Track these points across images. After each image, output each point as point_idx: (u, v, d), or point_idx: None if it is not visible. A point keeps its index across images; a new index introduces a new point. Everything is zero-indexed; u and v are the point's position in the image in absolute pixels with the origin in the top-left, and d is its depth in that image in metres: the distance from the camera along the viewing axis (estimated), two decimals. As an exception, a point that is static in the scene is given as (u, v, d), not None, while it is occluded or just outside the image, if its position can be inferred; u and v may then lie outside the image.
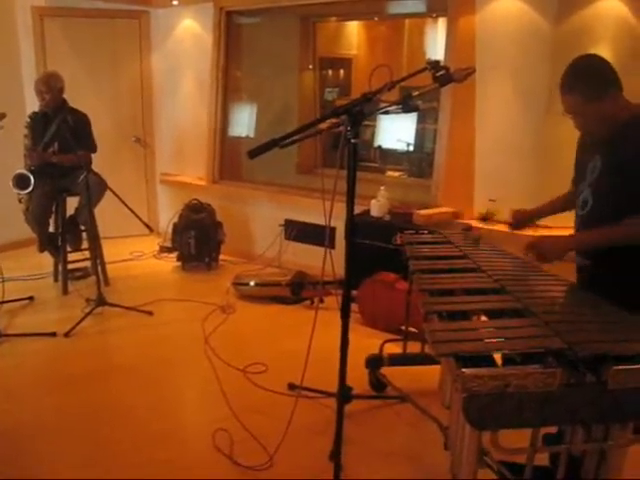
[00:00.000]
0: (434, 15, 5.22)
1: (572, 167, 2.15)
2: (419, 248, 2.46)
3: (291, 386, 2.92)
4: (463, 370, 1.30)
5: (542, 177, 3.68)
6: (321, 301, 3.95)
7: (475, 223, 3.87)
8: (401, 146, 5.24)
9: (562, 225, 2.47)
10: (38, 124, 4.16)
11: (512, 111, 3.78)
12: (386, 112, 1.94)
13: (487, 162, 3.93)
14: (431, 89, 1.92)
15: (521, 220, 2.39)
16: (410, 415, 2.73)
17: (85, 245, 4.42)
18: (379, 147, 5.50)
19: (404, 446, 2.57)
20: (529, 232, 2.65)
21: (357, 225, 1.98)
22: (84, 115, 4.27)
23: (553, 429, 1.65)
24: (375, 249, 3.83)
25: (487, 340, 1.50)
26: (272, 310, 4.12)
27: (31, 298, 4.10)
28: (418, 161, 5.33)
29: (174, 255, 5.03)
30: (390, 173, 5.42)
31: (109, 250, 4.59)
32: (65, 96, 4.21)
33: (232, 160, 5.42)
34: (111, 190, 3.89)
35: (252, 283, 4.27)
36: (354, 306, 3.44)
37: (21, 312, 3.91)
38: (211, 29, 5.13)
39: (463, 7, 3.84)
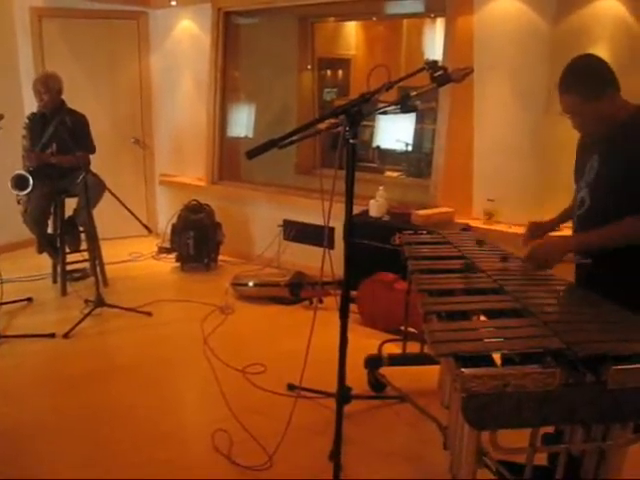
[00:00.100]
0: (432, 15, 5.22)
1: (571, 167, 2.15)
2: (418, 248, 2.46)
3: (290, 386, 2.92)
4: (462, 370, 1.30)
5: (541, 177, 3.69)
6: (320, 301, 3.95)
7: (474, 223, 3.88)
8: (400, 146, 5.24)
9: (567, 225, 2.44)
10: (36, 125, 4.15)
11: (510, 111, 3.78)
12: (384, 112, 1.94)
13: (486, 162, 3.93)
14: (429, 89, 1.92)
15: (537, 232, 2.29)
16: (409, 415, 2.73)
17: (84, 246, 4.42)
18: (378, 147, 5.50)
19: (403, 446, 2.57)
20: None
21: (356, 225, 1.98)
22: (82, 116, 4.27)
23: (552, 429, 1.65)
24: (374, 249, 3.84)
25: (486, 340, 1.50)
26: (271, 310, 4.12)
27: (30, 299, 4.09)
28: (417, 161, 5.33)
29: (173, 256, 5.03)
30: (389, 173, 5.41)
31: (108, 251, 4.58)
32: (63, 97, 4.21)
33: (231, 161, 5.43)
34: (110, 191, 3.89)
35: (251, 283, 4.27)
36: (353, 306, 3.43)
37: (20, 313, 3.90)
38: (209, 30, 5.13)
39: (461, 7, 3.84)
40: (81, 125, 4.22)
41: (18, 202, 4.15)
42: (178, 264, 4.95)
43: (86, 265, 4.50)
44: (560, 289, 1.93)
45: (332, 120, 1.86)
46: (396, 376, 2.92)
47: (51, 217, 4.33)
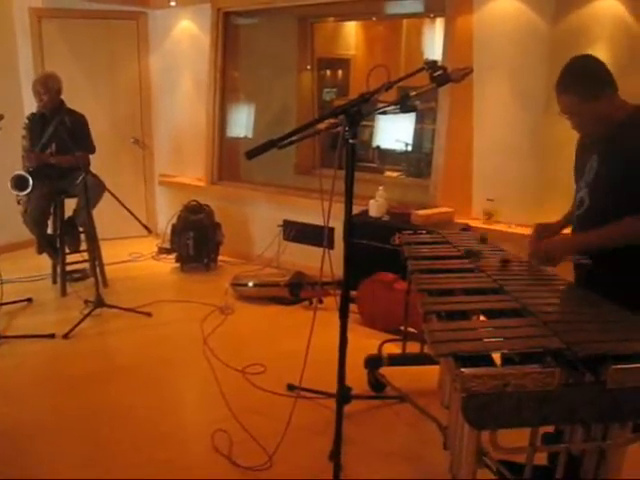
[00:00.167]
0: (432, 15, 5.22)
1: (570, 167, 2.15)
2: (417, 248, 2.46)
3: (290, 387, 2.92)
4: (462, 370, 1.30)
5: (540, 177, 3.69)
6: (320, 301, 3.95)
7: (473, 223, 3.88)
8: (399, 146, 5.24)
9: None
10: (36, 125, 4.15)
11: (510, 111, 3.78)
12: (384, 112, 1.94)
13: (485, 162, 3.93)
14: (429, 89, 1.92)
15: (544, 233, 2.23)
16: (409, 415, 2.73)
17: (84, 247, 4.42)
18: (377, 147, 5.50)
19: (403, 446, 2.57)
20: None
21: (355, 225, 1.98)
22: (82, 116, 4.27)
23: (552, 428, 1.65)
24: (374, 249, 3.84)
25: (486, 340, 1.50)
26: (271, 311, 4.12)
27: (30, 300, 4.09)
28: (416, 161, 5.33)
29: (173, 256, 5.03)
30: (388, 173, 5.41)
31: (108, 251, 4.58)
32: (63, 97, 4.21)
33: (230, 161, 5.43)
34: (109, 191, 3.89)
35: (251, 284, 4.27)
36: (353, 306, 3.43)
37: (20, 314, 3.90)
38: (209, 30, 5.13)
39: (461, 7, 3.84)
40: (80, 125, 4.22)
41: (18, 202, 4.15)
42: (178, 264, 4.95)
43: (86, 265, 4.50)
44: (560, 289, 1.93)
45: (331, 120, 1.86)
46: (396, 376, 2.92)
47: (51, 217, 4.33)
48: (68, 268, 4.34)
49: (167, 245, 5.12)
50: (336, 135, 1.86)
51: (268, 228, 4.95)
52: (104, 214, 4.30)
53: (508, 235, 3.60)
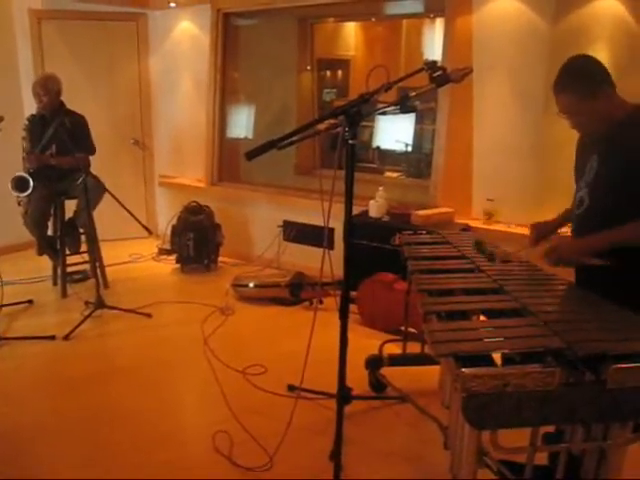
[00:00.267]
0: (431, 15, 5.22)
1: (570, 167, 2.15)
2: (418, 248, 2.46)
3: (290, 387, 2.92)
4: (462, 370, 1.30)
5: (540, 177, 3.69)
6: (320, 302, 3.95)
7: (473, 223, 3.88)
8: (399, 147, 5.24)
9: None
10: (36, 127, 4.16)
11: (510, 111, 3.78)
12: (384, 113, 1.94)
13: (485, 162, 3.93)
14: (428, 90, 1.92)
15: (543, 233, 2.25)
16: (410, 415, 2.73)
17: (84, 248, 4.42)
18: (377, 148, 5.50)
19: (404, 446, 2.57)
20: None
21: (356, 226, 1.98)
22: (82, 117, 4.27)
23: (552, 428, 1.65)
24: (374, 250, 3.84)
25: (486, 340, 1.51)
26: (271, 311, 4.12)
27: (30, 301, 4.09)
28: (416, 161, 5.33)
29: (173, 257, 5.03)
30: (388, 174, 5.41)
31: (108, 253, 4.58)
32: (63, 98, 4.21)
33: (230, 162, 5.43)
34: (109, 193, 3.88)
35: (251, 284, 4.27)
36: (353, 307, 3.44)
37: (20, 315, 3.90)
38: (208, 31, 5.13)
39: (460, 7, 3.84)
40: (80, 126, 4.22)
41: (19, 204, 4.15)
42: (178, 265, 4.95)
43: (86, 267, 4.51)
44: (560, 289, 1.93)
45: (331, 121, 1.87)
46: (396, 376, 2.92)
47: (51, 219, 4.33)
48: (68, 269, 4.34)
49: (167, 246, 5.12)
50: (336, 136, 1.86)
51: (268, 229, 4.95)
52: (104, 215, 4.30)
53: (508, 235, 3.60)
